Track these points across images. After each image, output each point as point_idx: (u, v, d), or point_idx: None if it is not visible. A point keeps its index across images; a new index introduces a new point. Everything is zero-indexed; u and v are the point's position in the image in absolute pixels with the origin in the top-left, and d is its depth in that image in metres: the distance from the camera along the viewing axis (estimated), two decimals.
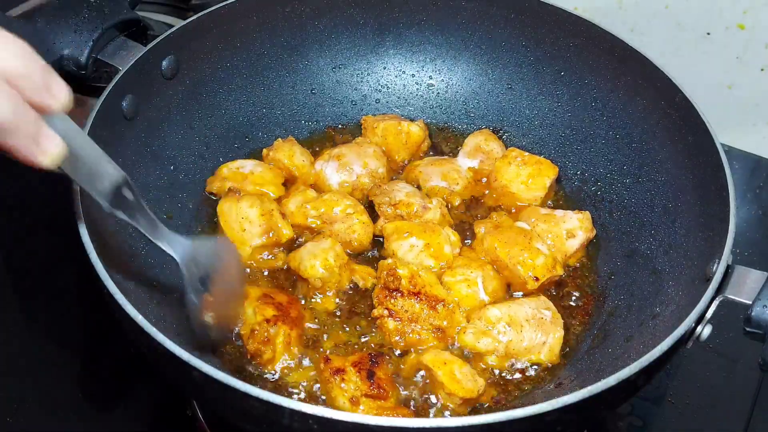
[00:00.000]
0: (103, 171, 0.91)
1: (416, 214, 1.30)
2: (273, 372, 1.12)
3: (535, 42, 1.45)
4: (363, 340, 1.17)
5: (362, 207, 1.31)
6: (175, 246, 1.01)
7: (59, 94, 0.79)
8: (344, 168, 1.37)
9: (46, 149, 0.78)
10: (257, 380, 1.12)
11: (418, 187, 1.37)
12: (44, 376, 1.31)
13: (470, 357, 1.15)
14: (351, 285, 1.23)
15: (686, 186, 1.22)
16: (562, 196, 1.40)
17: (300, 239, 1.29)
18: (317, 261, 1.19)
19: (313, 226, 1.28)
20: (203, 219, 1.32)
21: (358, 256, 1.28)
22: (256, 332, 1.12)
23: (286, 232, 1.25)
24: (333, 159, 1.38)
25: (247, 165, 1.36)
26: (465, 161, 1.43)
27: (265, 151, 1.40)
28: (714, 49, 1.75)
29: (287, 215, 1.29)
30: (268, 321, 1.13)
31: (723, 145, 1.16)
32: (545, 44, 1.44)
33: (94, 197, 0.91)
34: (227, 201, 1.27)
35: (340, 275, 1.21)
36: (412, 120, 1.48)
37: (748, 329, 0.98)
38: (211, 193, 1.34)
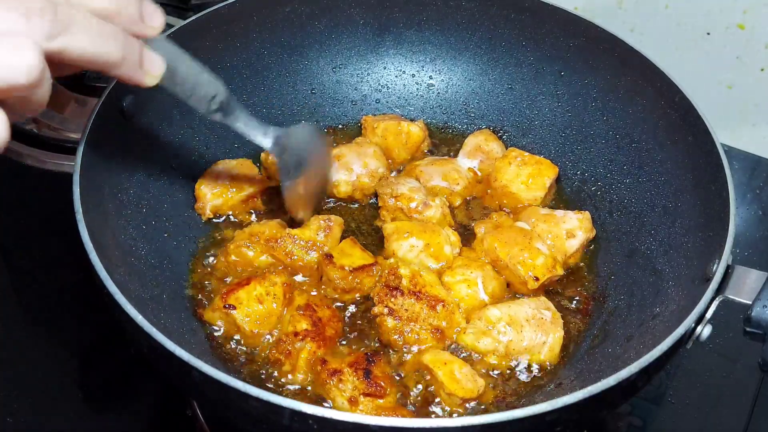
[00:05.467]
0: (199, 83, 1.00)
1: (416, 210, 1.30)
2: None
3: (535, 42, 1.45)
4: (364, 342, 1.17)
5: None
6: (268, 138, 1.13)
7: (154, 21, 0.84)
8: (344, 168, 1.37)
9: (149, 71, 0.85)
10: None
11: None
12: (44, 376, 1.31)
13: (470, 357, 1.15)
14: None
15: (686, 186, 1.22)
16: (562, 196, 1.40)
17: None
18: None
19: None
20: (202, 220, 1.32)
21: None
22: (281, 342, 1.12)
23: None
24: (333, 159, 1.38)
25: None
26: (465, 161, 1.43)
27: (263, 155, 1.39)
28: (714, 49, 1.75)
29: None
30: (296, 335, 1.12)
31: (723, 145, 1.16)
32: (545, 44, 1.44)
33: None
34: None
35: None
36: (412, 120, 1.48)
37: (748, 329, 0.98)
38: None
